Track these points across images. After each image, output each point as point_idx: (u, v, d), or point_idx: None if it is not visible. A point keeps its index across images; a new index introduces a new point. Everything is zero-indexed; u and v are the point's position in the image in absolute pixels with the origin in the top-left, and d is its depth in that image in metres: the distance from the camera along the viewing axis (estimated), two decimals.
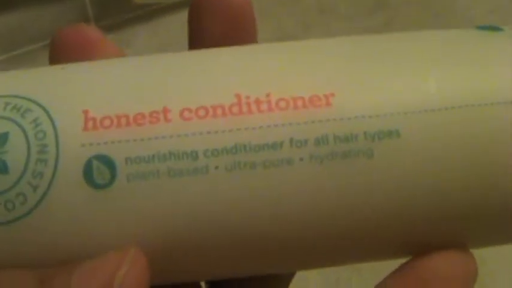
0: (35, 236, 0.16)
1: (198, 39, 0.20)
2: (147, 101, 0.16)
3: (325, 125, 0.16)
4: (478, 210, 0.16)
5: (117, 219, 0.16)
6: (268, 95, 0.16)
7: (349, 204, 0.16)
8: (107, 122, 0.16)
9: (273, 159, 0.15)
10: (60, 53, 0.19)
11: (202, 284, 0.22)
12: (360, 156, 0.16)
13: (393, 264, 0.17)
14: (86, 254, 0.16)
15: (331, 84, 0.16)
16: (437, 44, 0.18)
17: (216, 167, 0.15)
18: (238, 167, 0.15)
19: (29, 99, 0.16)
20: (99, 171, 0.15)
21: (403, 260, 0.17)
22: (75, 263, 0.15)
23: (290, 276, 0.22)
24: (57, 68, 0.17)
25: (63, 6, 0.55)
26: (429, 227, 0.16)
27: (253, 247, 0.16)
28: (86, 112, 0.16)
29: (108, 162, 0.15)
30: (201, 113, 0.16)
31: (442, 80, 0.16)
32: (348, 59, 0.17)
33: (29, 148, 0.16)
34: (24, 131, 0.16)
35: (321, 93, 0.16)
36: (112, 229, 0.16)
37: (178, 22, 0.55)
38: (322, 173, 0.15)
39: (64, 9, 0.55)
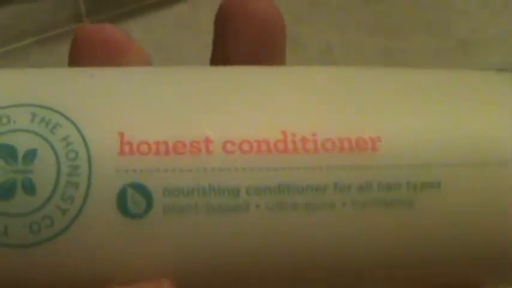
0: (59, 261, 0.15)
1: (222, 56, 0.19)
2: (188, 129, 0.15)
3: (369, 172, 0.15)
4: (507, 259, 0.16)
5: (149, 251, 0.15)
6: (314, 134, 0.15)
7: (387, 252, 0.16)
8: (144, 148, 0.15)
9: (316, 202, 0.15)
10: (82, 53, 0.18)
11: None
12: (401, 206, 0.15)
13: None
14: (111, 283, 0.15)
15: (377, 127, 0.16)
16: (474, 91, 0.17)
17: (257, 206, 0.15)
18: (280, 208, 0.15)
19: (59, 112, 0.15)
20: (134, 200, 0.15)
21: None
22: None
23: None
24: (86, 75, 0.16)
25: (56, 1, 0.52)
26: (459, 272, 0.16)
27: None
28: (121, 135, 0.15)
29: (144, 192, 0.15)
30: (245, 147, 0.15)
31: (482, 132, 0.16)
32: (394, 98, 0.16)
33: (58, 168, 0.15)
34: (53, 148, 0.15)
35: (367, 136, 0.15)
36: (142, 261, 0.15)
37: (172, 16, 0.53)
38: (363, 220, 0.15)
39: (57, 4, 0.52)
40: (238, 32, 0.18)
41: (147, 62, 0.18)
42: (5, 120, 0.15)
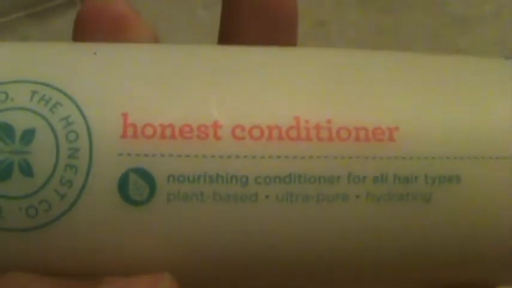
0: (55, 247, 0.14)
1: (231, 35, 0.18)
2: (196, 112, 0.14)
3: (386, 163, 0.14)
4: None
5: (151, 240, 0.14)
6: (329, 121, 0.14)
7: (401, 246, 0.15)
8: (149, 131, 0.14)
9: (328, 193, 0.14)
10: (86, 28, 0.17)
11: None
12: (418, 199, 0.15)
13: None
14: (110, 272, 0.14)
15: (396, 116, 0.15)
16: (494, 81, 0.17)
17: (267, 196, 0.14)
18: (290, 199, 0.14)
19: (59, 90, 0.14)
20: (136, 186, 0.14)
21: None
22: (101, 279, 0.14)
23: None
24: (89, 52, 0.15)
25: None
26: (474, 268, 0.16)
27: (294, 281, 0.15)
28: (125, 116, 0.14)
29: (147, 177, 0.14)
30: (255, 133, 0.14)
31: (504, 125, 0.15)
32: (413, 87, 0.16)
33: (58, 150, 0.14)
34: (53, 129, 0.14)
35: (385, 126, 0.15)
36: (143, 250, 0.14)
37: None
38: (377, 213, 0.14)
39: None
40: (247, 11, 0.17)
41: (153, 37, 0.17)
42: (2, 96, 0.14)
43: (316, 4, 0.53)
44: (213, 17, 0.51)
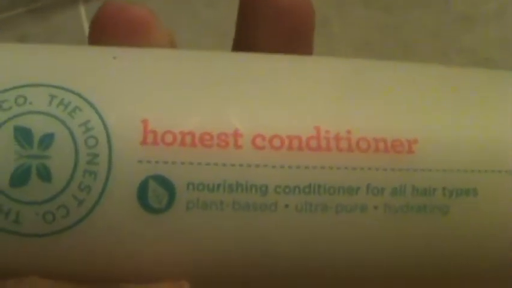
0: (72, 253, 0.14)
1: (248, 43, 0.18)
2: (216, 119, 0.14)
3: (404, 174, 0.14)
4: None
5: (169, 248, 0.14)
6: (348, 132, 0.14)
7: (418, 257, 0.15)
8: (169, 138, 0.14)
9: (347, 204, 0.14)
10: (104, 30, 0.16)
11: None
12: (435, 212, 0.15)
13: None
14: (127, 279, 0.14)
15: (415, 128, 0.15)
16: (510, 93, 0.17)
17: (286, 206, 0.14)
18: (309, 208, 0.14)
19: (78, 95, 0.14)
20: (156, 194, 0.14)
21: None
22: (118, 285, 0.14)
23: None
24: (108, 57, 0.15)
25: None
26: (493, 280, 0.16)
27: None
28: (145, 122, 0.14)
29: (167, 185, 0.14)
30: (276, 142, 0.14)
31: None
32: (432, 99, 0.16)
33: (77, 156, 0.14)
34: (72, 134, 0.14)
35: (404, 138, 0.15)
36: (161, 258, 0.14)
37: None
38: (395, 224, 0.15)
39: None
40: (265, 18, 0.17)
41: (172, 42, 0.17)
42: (21, 100, 0.14)
43: (320, 2, 0.53)
44: (215, 16, 0.51)
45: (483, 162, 0.15)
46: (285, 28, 0.17)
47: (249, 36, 0.18)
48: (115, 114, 0.14)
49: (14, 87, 0.14)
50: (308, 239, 0.14)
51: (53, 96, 0.14)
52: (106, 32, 0.16)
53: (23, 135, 0.14)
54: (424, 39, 0.52)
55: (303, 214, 0.14)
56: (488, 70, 0.17)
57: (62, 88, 0.14)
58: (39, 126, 0.14)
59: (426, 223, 0.15)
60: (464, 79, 0.17)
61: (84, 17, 0.46)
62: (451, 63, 0.52)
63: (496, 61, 0.51)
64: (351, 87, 0.15)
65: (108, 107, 0.14)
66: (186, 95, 0.15)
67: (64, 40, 0.46)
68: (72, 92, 0.14)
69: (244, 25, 0.18)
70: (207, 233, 0.14)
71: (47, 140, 0.14)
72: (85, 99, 0.14)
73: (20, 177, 0.13)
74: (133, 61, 0.15)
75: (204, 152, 0.14)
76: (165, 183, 0.14)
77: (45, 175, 0.13)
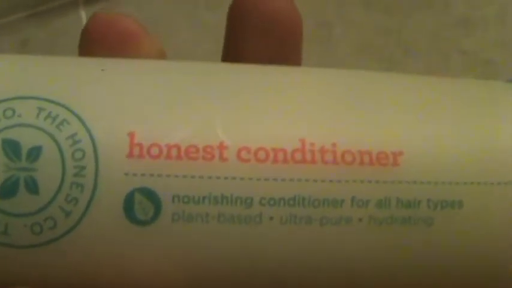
0: (60, 265, 0.14)
1: (236, 53, 0.18)
2: (202, 133, 0.14)
3: (389, 187, 0.15)
4: None
5: (155, 260, 0.14)
6: (333, 145, 0.15)
7: (402, 269, 0.15)
8: (154, 151, 0.14)
9: (332, 216, 0.14)
10: (93, 43, 0.17)
11: None
12: (420, 224, 0.15)
13: None
14: None
15: (400, 141, 0.15)
16: (497, 105, 0.17)
17: (271, 218, 0.14)
18: (294, 221, 0.14)
19: (66, 108, 0.14)
20: (142, 206, 0.14)
21: None
22: None
23: None
24: (96, 69, 0.15)
25: None
26: None
27: None
28: (131, 135, 0.14)
29: (152, 197, 0.14)
30: (261, 155, 0.14)
31: (508, 150, 0.15)
32: (418, 112, 0.16)
33: (64, 168, 0.14)
34: (59, 147, 0.14)
35: (389, 150, 0.15)
36: (147, 269, 0.14)
37: None
38: (379, 236, 0.15)
39: None
40: (254, 29, 0.17)
41: (161, 53, 0.17)
42: (9, 113, 0.14)
43: (320, 5, 0.53)
44: (215, 19, 0.51)
45: (469, 174, 0.15)
46: (273, 39, 0.17)
47: (238, 48, 0.18)
48: (102, 127, 0.14)
49: (3, 100, 0.14)
50: (293, 251, 0.14)
51: (40, 109, 0.14)
52: (95, 43, 0.17)
53: (11, 147, 0.14)
54: (424, 42, 0.52)
55: (288, 226, 0.14)
56: (474, 80, 0.18)
57: (50, 101, 0.14)
58: (27, 139, 0.14)
59: (411, 235, 0.15)
60: (449, 90, 0.17)
61: (85, 20, 0.46)
62: (451, 65, 0.52)
63: (496, 63, 0.51)
64: (336, 99, 0.16)
65: (95, 119, 0.14)
66: (173, 108, 0.15)
67: (65, 44, 0.46)
68: (60, 104, 0.14)
69: (233, 36, 0.18)
70: (192, 245, 0.14)
71: (35, 152, 0.14)
72: (72, 112, 0.14)
73: (8, 190, 0.14)
74: (121, 74, 0.15)
75: (189, 165, 0.14)
76: (151, 195, 0.14)
77: (32, 187, 0.14)
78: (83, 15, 0.47)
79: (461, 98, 0.16)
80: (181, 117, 0.15)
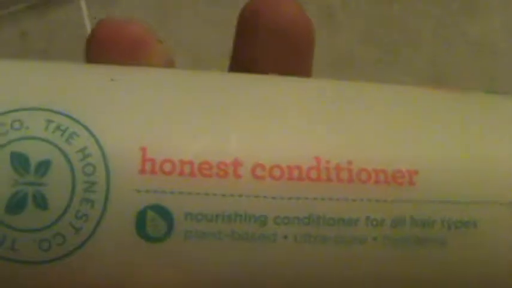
0: (68, 282, 0.14)
1: (247, 62, 0.18)
2: (216, 148, 0.14)
3: (404, 206, 0.14)
4: None
5: (167, 278, 0.14)
6: (349, 163, 0.14)
7: None
8: (167, 167, 0.14)
9: (346, 235, 0.14)
10: (101, 49, 0.16)
11: None
12: (434, 244, 0.14)
13: None
14: None
15: (415, 160, 0.15)
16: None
17: (285, 237, 0.14)
18: (309, 240, 0.14)
19: (75, 120, 0.14)
20: (154, 223, 0.14)
21: None
22: None
23: None
24: (106, 79, 0.15)
25: None
26: None
27: None
28: (143, 150, 0.14)
29: (165, 215, 0.14)
30: (276, 172, 0.14)
31: None
32: (433, 130, 0.15)
33: (74, 183, 0.13)
34: (69, 161, 0.14)
35: (405, 169, 0.14)
36: (159, 286, 0.14)
37: None
38: (393, 256, 0.14)
39: None
40: (263, 36, 0.17)
41: (169, 60, 0.17)
42: (17, 125, 0.14)
43: None
44: (216, 13, 0.51)
45: (483, 194, 0.15)
46: (285, 47, 0.17)
47: (247, 55, 0.17)
48: (113, 141, 0.14)
49: (10, 111, 0.14)
50: (307, 270, 0.14)
51: (49, 121, 0.14)
52: (103, 50, 0.16)
53: (20, 161, 0.13)
54: (429, 31, 0.52)
55: (302, 245, 0.14)
56: (488, 95, 0.17)
57: (59, 113, 0.14)
58: (35, 152, 0.13)
59: (425, 255, 0.14)
60: (464, 107, 0.17)
61: (85, 12, 0.46)
62: (455, 53, 0.51)
63: (500, 50, 0.51)
64: (353, 115, 0.15)
65: (105, 133, 0.14)
66: (186, 122, 0.14)
67: (65, 36, 0.45)
68: (69, 117, 0.14)
69: (243, 43, 0.18)
70: (205, 262, 0.14)
71: (44, 166, 0.13)
72: (82, 125, 0.14)
73: (16, 205, 0.13)
74: (131, 84, 0.15)
75: (202, 182, 0.14)
76: (163, 213, 0.14)
77: (41, 203, 0.13)
78: (83, 6, 0.46)
79: (474, 115, 0.16)
80: (194, 132, 0.14)
